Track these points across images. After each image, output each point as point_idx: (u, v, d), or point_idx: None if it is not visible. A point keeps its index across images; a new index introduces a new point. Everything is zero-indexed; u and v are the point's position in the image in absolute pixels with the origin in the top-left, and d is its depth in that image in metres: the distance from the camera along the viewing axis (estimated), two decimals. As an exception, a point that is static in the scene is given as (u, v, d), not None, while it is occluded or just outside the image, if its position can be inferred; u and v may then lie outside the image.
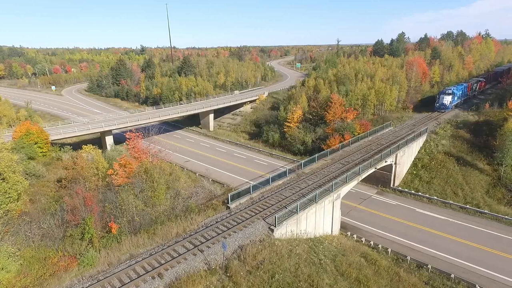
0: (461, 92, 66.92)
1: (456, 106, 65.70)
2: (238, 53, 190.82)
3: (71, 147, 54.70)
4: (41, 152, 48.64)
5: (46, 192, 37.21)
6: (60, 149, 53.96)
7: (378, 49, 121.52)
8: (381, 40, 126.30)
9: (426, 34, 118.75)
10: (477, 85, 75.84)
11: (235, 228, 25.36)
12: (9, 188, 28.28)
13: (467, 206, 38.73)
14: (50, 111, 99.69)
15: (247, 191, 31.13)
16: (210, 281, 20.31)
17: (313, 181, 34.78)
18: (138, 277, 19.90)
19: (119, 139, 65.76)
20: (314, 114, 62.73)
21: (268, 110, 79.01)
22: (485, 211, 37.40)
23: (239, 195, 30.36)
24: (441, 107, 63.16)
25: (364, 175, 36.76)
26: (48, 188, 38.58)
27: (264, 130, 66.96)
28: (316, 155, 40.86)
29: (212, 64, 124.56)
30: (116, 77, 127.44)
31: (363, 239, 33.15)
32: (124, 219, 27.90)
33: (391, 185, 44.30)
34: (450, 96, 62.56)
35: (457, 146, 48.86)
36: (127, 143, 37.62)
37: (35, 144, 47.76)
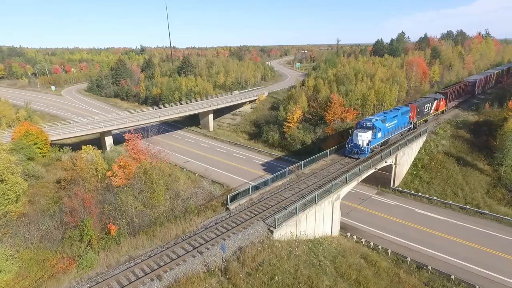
0: (394, 122, 44.07)
1: (385, 145, 43.60)
2: (238, 53, 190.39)
3: (71, 147, 54.67)
4: (40, 153, 48.51)
5: (45, 193, 37.12)
6: (60, 149, 53.87)
7: (378, 49, 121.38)
8: (381, 39, 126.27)
9: (426, 33, 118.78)
10: (430, 106, 53.74)
11: (235, 229, 25.27)
12: (7, 190, 28.19)
13: (467, 206, 38.65)
14: (50, 111, 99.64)
15: (246, 192, 31.04)
16: (209, 283, 20.23)
17: (313, 181, 34.69)
18: (137, 279, 19.84)
19: (119, 139, 65.69)
20: (314, 114, 62.64)
21: (267, 110, 78.89)
22: (485, 211, 37.31)
23: (238, 196, 30.28)
24: (353, 150, 40.31)
25: (364, 176, 36.68)
26: (47, 189, 38.49)
27: (264, 130, 66.89)
28: (316, 155, 40.75)
29: (212, 64, 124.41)
30: (116, 77, 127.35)
31: (363, 240, 33.07)
32: (123, 220, 27.83)
33: (391, 186, 44.22)
34: (370, 133, 39.80)
35: (457, 146, 48.77)
36: (126, 144, 37.55)
37: (34, 144, 47.61)
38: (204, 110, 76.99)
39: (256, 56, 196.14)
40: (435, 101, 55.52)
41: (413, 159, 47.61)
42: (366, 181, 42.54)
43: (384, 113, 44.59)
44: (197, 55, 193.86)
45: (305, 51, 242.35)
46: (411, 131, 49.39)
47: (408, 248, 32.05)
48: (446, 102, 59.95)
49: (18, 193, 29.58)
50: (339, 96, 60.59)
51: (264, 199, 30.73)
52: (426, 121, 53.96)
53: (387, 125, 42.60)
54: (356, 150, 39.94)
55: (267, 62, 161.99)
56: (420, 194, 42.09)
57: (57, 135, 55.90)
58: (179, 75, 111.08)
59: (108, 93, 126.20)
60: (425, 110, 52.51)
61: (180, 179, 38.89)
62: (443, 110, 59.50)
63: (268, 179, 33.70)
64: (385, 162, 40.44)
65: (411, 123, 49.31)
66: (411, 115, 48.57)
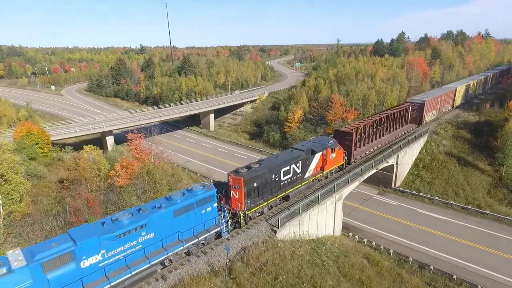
0: (132, 244, 18.13)
1: None
2: (238, 53, 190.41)
3: (72, 147, 54.72)
4: (42, 153, 48.58)
5: (47, 193, 37.18)
6: (61, 149, 53.94)
7: (378, 49, 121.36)
8: (381, 39, 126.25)
9: (426, 33, 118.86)
10: (300, 167, 28.99)
11: (238, 229, 25.34)
12: (11, 190, 28.23)
13: (469, 206, 38.82)
14: (50, 111, 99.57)
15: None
16: (214, 283, 20.30)
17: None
18: (141, 279, 19.86)
19: (120, 139, 65.75)
20: (314, 114, 62.85)
21: (268, 110, 79.05)
22: (487, 211, 37.50)
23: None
24: None
25: (366, 176, 36.78)
26: (50, 189, 38.55)
27: (265, 130, 66.99)
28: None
29: (212, 64, 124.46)
30: (116, 76, 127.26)
31: (365, 240, 33.24)
32: (127, 220, 27.83)
33: (392, 186, 44.37)
34: None
35: (458, 146, 48.95)
36: (129, 144, 37.60)
37: (36, 144, 47.70)
38: (204, 110, 77.05)
39: (256, 56, 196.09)
40: (316, 155, 30.34)
41: (414, 159, 47.77)
42: (368, 181, 42.65)
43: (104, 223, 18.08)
44: (197, 55, 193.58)
45: (311, 51, 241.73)
46: (225, 237, 23.47)
47: (410, 248, 32.22)
48: (350, 150, 36.00)
49: (21, 193, 29.61)
50: (340, 96, 60.75)
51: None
52: (287, 197, 28.68)
53: (85, 263, 16.42)
54: None
55: (267, 62, 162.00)
56: (421, 194, 42.25)
57: (59, 134, 55.90)
58: (179, 75, 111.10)
59: (108, 92, 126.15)
60: (284, 179, 27.45)
61: (183, 179, 38.92)
62: (342, 164, 34.95)
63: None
64: (387, 162, 40.58)
65: (224, 222, 22.94)
66: (237, 197, 24.07)
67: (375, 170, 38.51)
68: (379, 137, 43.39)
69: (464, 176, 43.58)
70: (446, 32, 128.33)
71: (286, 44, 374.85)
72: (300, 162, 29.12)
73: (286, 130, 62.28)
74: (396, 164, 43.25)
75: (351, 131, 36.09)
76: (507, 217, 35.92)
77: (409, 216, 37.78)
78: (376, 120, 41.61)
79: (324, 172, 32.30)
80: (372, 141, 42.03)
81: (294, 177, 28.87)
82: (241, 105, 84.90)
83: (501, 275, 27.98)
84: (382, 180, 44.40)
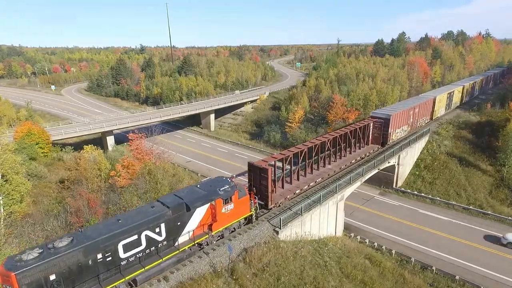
0: None
1: None
2: (238, 53, 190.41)
3: (72, 147, 54.59)
4: (42, 153, 48.48)
5: (48, 193, 37.06)
6: (62, 149, 53.81)
7: (379, 49, 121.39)
8: (382, 40, 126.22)
9: (426, 34, 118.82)
10: (160, 232, 18.77)
11: (240, 230, 25.23)
12: (12, 190, 28.10)
13: (470, 207, 38.72)
14: (50, 110, 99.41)
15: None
16: (216, 284, 20.19)
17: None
18: (144, 281, 19.73)
19: (120, 139, 65.66)
20: (315, 114, 62.78)
21: (269, 110, 78.96)
22: (488, 212, 37.41)
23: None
24: None
25: (367, 176, 36.68)
26: (50, 189, 38.43)
27: (265, 130, 66.88)
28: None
29: (212, 64, 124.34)
30: (116, 76, 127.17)
31: (366, 240, 33.14)
32: (128, 220, 27.72)
33: (394, 186, 44.26)
34: None
35: (460, 146, 48.84)
36: (130, 144, 37.49)
37: (36, 144, 47.59)
38: (205, 110, 76.94)
39: (256, 56, 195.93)
40: (197, 211, 20.69)
41: (415, 160, 47.64)
42: (369, 181, 42.52)
43: None
44: (197, 55, 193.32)
45: (311, 51, 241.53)
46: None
47: (412, 248, 32.13)
48: (267, 192, 26.55)
49: (22, 193, 29.49)
50: (340, 96, 60.68)
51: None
52: (135, 282, 18.30)
53: None
54: None
55: (268, 62, 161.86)
56: (423, 194, 42.14)
57: (59, 134, 55.78)
58: (180, 75, 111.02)
59: (108, 92, 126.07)
60: (126, 256, 17.60)
61: (184, 179, 38.82)
62: (250, 215, 24.85)
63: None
64: (388, 163, 40.46)
65: None
66: None
67: (376, 170, 38.43)
68: (323, 166, 33.87)
69: (465, 176, 43.47)
70: (446, 32, 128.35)
71: (286, 44, 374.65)
72: (163, 225, 19.10)
73: (287, 130, 62.20)
74: (398, 164, 43.15)
75: (266, 167, 25.72)
76: (509, 218, 35.83)
77: (410, 216, 37.69)
78: (316, 144, 31.25)
79: (213, 233, 22.03)
80: (311, 173, 32.45)
81: (152, 249, 18.97)
82: (242, 105, 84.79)
83: (503, 275, 27.90)
84: (383, 181, 44.31)
